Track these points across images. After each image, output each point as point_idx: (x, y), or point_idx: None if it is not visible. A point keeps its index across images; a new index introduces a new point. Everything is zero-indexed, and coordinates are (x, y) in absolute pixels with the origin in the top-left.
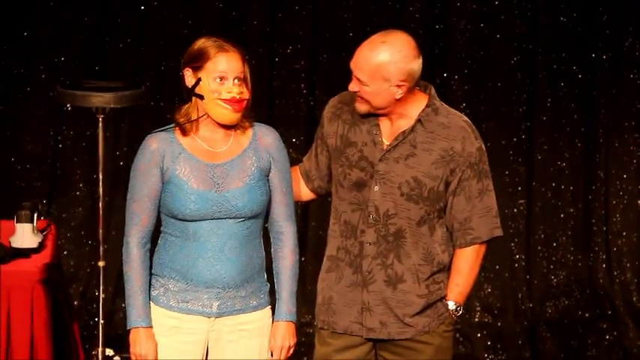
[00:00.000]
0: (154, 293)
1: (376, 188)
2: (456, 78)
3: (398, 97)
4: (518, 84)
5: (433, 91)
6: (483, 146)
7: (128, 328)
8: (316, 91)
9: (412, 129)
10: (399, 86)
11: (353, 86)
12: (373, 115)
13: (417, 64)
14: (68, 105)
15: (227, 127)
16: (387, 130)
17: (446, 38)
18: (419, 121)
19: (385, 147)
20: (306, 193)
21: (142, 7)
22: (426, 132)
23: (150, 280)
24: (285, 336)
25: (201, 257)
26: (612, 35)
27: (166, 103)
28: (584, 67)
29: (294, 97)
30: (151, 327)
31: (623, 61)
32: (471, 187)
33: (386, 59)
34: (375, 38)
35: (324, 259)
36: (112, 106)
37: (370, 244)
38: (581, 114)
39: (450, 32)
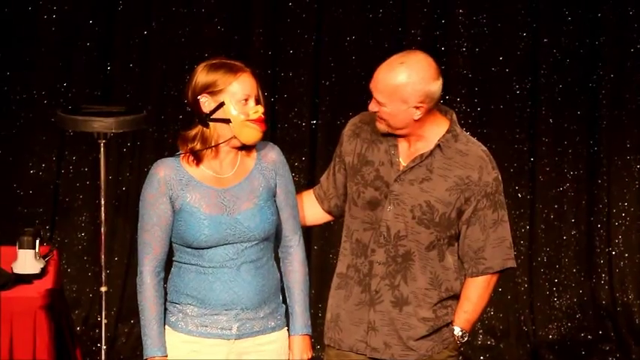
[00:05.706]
0: (172, 319)
1: (389, 208)
2: (458, 100)
3: (416, 118)
4: (521, 106)
5: (454, 116)
6: (500, 177)
7: (145, 358)
8: (318, 115)
9: (431, 153)
10: (417, 107)
11: (372, 106)
12: (392, 136)
13: (435, 86)
14: (70, 130)
15: (242, 148)
16: (405, 152)
17: (448, 60)
18: (438, 146)
19: (401, 168)
20: (321, 216)
21: (145, 32)
22: (444, 158)
23: (166, 307)
24: (303, 349)
25: (217, 281)
26: (614, 57)
27: (169, 128)
28: (586, 89)
29: (296, 121)
30: (166, 356)
31: (625, 82)
32: (486, 217)
33: (403, 81)
34: (394, 59)
35: (335, 276)
36: (113, 131)
37: (380, 263)
38: (584, 136)
39: (452, 54)
